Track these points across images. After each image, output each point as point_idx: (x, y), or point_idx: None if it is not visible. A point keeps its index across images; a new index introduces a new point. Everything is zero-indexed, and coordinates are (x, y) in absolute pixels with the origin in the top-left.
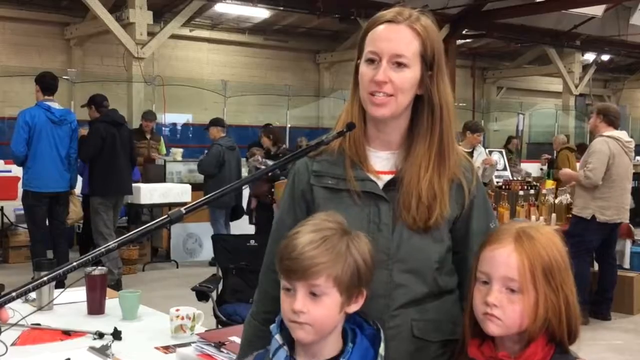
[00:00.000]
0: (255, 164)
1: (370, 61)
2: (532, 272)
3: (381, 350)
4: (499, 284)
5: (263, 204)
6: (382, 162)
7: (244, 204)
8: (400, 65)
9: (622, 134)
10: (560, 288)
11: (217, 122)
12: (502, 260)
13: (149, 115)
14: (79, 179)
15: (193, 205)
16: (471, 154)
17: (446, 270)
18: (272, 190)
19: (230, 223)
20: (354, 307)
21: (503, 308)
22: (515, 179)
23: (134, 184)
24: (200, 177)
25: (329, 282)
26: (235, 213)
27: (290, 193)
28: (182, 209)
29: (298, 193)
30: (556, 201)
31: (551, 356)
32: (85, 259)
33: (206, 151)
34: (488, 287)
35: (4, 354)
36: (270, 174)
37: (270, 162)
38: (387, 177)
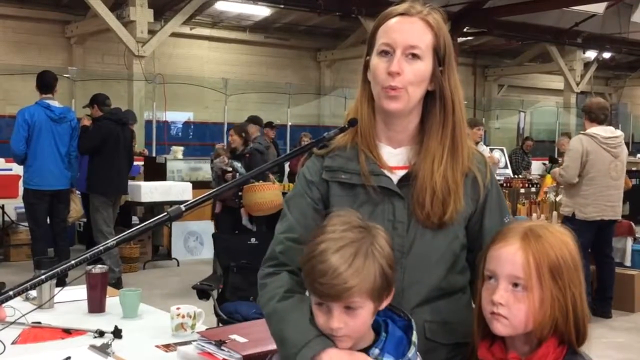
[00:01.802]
0: (222, 165)
1: (384, 53)
2: (538, 270)
3: (414, 338)
4: (505, 282)
5: (228, 208)
6: (395, 158)
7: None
8: (414, 56)
9: (602, 130)
10: (567, 287)
11: (254, 120)
12: (508, 258)
13: (131, 119)
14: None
15: (192, 202)
16: None
17: (459, 269)
18: (240, 193)
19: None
20: (385, 304)
21: (509, 307)
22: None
23: (135, 182)
24: (200, 175)
25: (363, 297)
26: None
27: (299, 184)
28: (182, 207)
29: (307, 183)
30: (557, 199)
31: (563, 357)
32: (83, 257)
33: None
34: (495, 285)
35: (1, 353)
36: (237, 175)
37: (236, 163)
38: (401, 173)
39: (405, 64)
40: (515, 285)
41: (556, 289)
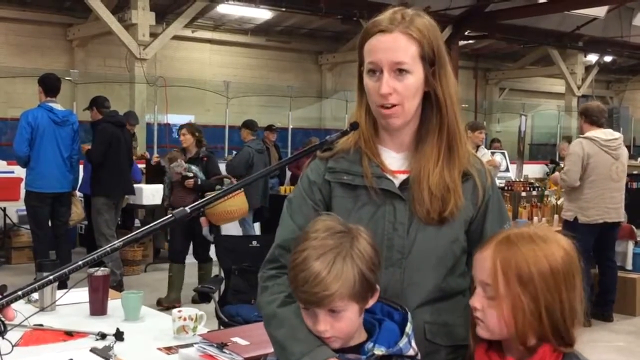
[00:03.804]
0: (179, 169)
1: (372, 72)
2: (505, 277)
3: (407, 329)
4: (479, 286)
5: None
6: (397, 162)
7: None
8: (402, 72)
9: (602, 133)
10: (541, 295)
11: (248, 124)
12: (479, 263)
13: (132, 119)
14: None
15: (197, 204)
16: None
17: (459, 272)
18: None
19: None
20: (370, 303)
21: (484, 311)
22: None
23: (137, 185)
24: None
25: (345, 300)
26: (261, 214)
27: (302, 185)
28: (187, 208)
29: (309, 185)
30: (559, 202)
31: None
32: (90, 257)
33: (235, 152)
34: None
35: (9, 353)
36: (199, 182)
37: (194, 168)
38: (403, 176)
39: (395, 82)
40: (486, 290)
41: (526, 297)
